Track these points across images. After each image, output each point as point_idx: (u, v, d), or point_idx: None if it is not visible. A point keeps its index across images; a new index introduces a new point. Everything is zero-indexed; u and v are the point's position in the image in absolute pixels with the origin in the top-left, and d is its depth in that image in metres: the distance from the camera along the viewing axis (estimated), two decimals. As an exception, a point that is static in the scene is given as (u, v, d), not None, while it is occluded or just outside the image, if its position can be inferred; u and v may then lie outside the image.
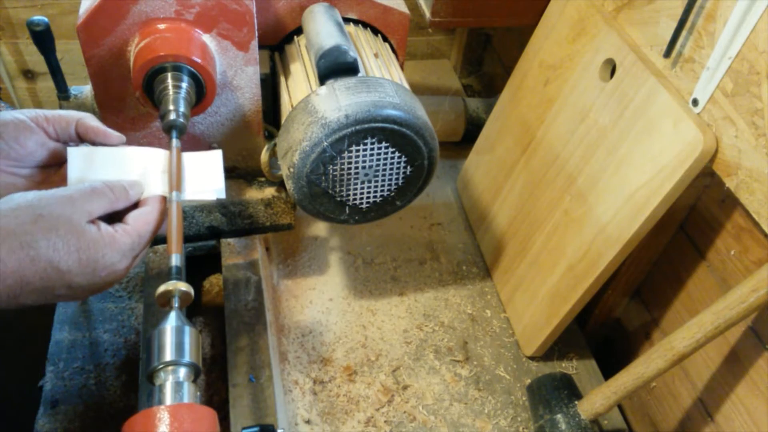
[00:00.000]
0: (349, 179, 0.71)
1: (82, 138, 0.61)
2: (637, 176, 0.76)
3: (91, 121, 0.61)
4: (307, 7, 0.75)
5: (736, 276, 0.78)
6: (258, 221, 0.80)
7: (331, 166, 0.69)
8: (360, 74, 0.71)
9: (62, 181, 0.60)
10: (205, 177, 0.64)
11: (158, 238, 0.77)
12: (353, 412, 0.87)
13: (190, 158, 0.65)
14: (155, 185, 0.60)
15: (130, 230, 0.55)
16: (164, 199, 0.60)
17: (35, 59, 1.33)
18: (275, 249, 1.05)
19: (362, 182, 0.72)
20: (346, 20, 0.79)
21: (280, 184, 0.82)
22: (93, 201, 0.54)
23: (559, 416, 0.81)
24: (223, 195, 0.64)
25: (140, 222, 0.56)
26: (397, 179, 0.73)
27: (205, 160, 0.65)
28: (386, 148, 0.69)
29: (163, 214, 0.59)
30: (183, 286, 0.54)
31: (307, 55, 0.75)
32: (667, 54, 0.75)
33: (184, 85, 0.63)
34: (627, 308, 1.00)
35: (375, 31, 0.82)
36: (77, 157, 0.60)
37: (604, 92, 0.83)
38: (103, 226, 0.54)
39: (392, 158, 0.71)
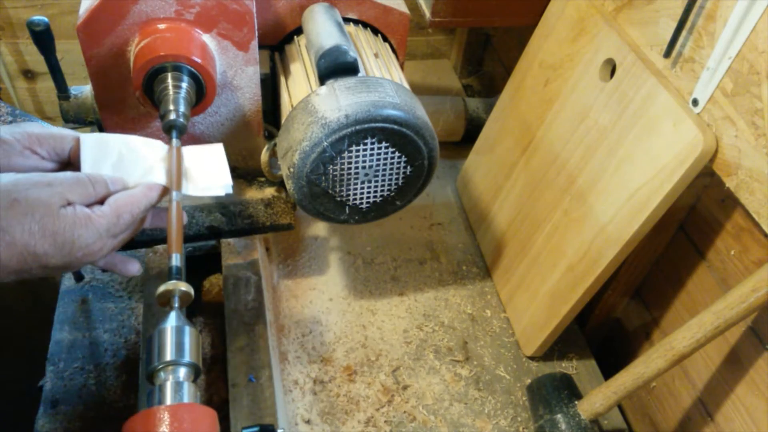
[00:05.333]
0: (349, 179, 0.71)
1: (73, 164, 0.60)
2: (637, 176, 0.76)
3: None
4: (307, 7, 0.75)
5: (736, 276, 0.78)
6: (258, 221, 0.80)
7: (331, 166, 0.69)
8: (360, 74, 0.71)
9: None
10: (210, 172, 0.64)
11: (158, 238, 0.78)
12: (353, 412, 0.87)
13: (192, 152, 0.64)
14: (155, 175, 0.60)
15: (107, 211, 0.55)
16: (161, 189, 0.59)
17: (35, 59, 1.33)
18: (275, 249, 1.05)
19: (362, 182, 0.72)
20: (346, 20, 0.79)
21: (280, 184, 0.82)
22: (72, 189, 0.54)
23: (559, 416, 0.81)
24: (230, 190, 0.63)
25: (120, 203, 0.56)
26: (397, 179, 0.73)
27: (208, 154, 0.65)
28: (386, 148, 0.69)
29: (154, 202, 0.59)
30: (183, 286, 0.54)
31: (307, 55, 0.75)
32: (667, 54, 0.75)
33: (184, 85, 0.63)
34: (627, 308, 1.00)
35: (375, 31, 0.82)
36: (90, 145, 0.59)
37: (604, 92, 0.83)
38: (79, 207, 0.54)
39: (392, 158, 0.71)
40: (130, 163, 0.60)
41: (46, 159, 0.59)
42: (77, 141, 0.59)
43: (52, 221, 0.51)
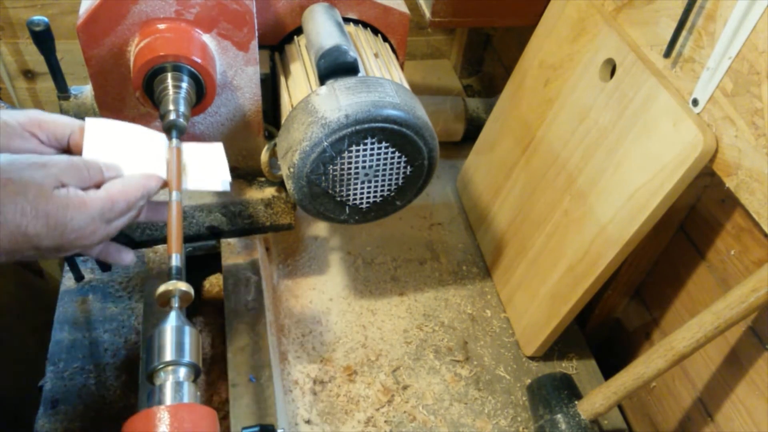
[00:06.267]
0: (349, 179, 0.71)
1: (72, 151, 0.60)
2: (637, 176, 0.76)
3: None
4: (307, 7, 0.75)
5: (736, 276, 0.78)
6: (258, 221, 0.80)
7: (331, 166, 0.69)
8: (360, 74, 0.71)
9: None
10: (209, 167, 0.64)
11: (158, 238, 0.78)
12: (353, 412, 0.87)
13: (191, 148, 0.65)
14: (155, 166, 0.60)
15: (102, 195, 0.55)
16: (159, 180, 0.59)
17: (35, 59, 1.33)
18: (275, 249, 1.05)
19: (362, 182, 0.72)
20: (346, 20, 0.79)
21: (280, 184, 0.82)
22: (66, 171, 0.54)
23: (559, 416, 0.81)
24: (228, 187, 0.63)
25: (115, 189, 0.56)
26: (397, 179, 0.73)
27: (207, 151, 0.65)
28: (386, 148, 0.69)
29: (152, 192, 0.59)
30: (183, 286, 0.54)
31: (307, 55, 0.75)
32: (667, 54, 0.75)
33: (184, 85, 0.63)
34: (627, 308, 1.00)
35: (375, 31, 0.82)
36: (95, 129, 0.59)
37: (604, 92, 0.83)
38: (73, 189, 0.54)
39: (392, 158, 0.71)
40: (131, 152, 0.60)
41: (45, 143, 0.59)
42: (79, 130, 0.60)
43: (45, 202, 0.51)
